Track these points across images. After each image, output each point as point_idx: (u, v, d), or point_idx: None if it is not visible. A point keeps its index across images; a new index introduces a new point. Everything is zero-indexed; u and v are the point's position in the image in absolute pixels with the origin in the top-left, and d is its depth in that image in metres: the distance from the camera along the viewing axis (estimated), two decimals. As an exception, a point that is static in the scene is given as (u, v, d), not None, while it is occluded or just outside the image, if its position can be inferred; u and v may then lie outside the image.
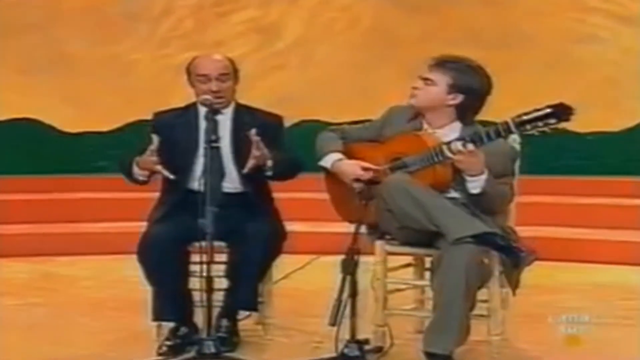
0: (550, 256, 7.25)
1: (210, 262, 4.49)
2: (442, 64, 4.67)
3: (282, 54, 9.56)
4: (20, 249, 7.48)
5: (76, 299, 6.14)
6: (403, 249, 4.76)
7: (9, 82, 9.11)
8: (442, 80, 4.65)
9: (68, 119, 9.29)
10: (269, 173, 4.88)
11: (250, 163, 4.81)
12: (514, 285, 4.59)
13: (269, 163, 4.84)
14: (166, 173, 4.84)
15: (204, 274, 4.48)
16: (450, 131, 4.66)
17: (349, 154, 4.82)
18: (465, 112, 4.70)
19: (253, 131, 4.78)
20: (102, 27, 9.36)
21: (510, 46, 9.29)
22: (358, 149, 4.84)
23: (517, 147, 4.76)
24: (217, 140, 4.68)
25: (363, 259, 4.46)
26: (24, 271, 7.03)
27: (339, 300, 4.30)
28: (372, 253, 4.69)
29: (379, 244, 4.73)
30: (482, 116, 8.31)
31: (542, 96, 9.05)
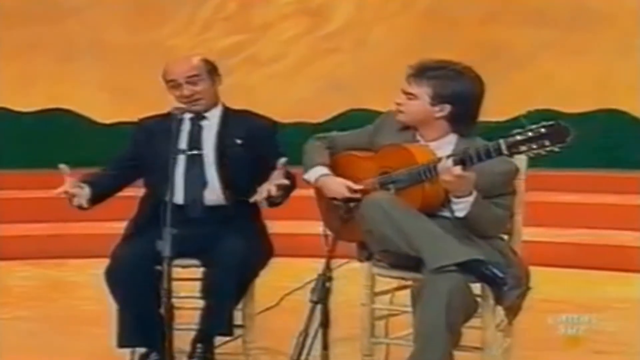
0: (602, 265, 6.69)
1: (169, 288, 4.14)
2: (421, 73, 4.23)
3: (333, 38, 9.14)
4: (42, 251, 7.31)
5: (69, 312, 5.94)
6: (391, 272, 4.36)
7: (46, 70, 8.96)
8: (422, 92, 4.21)
9: (104, 108, 9.11)
10: (278, 201, 4.53)
11: (263, 193, 4.46)
12: (512, 314, 4.19)
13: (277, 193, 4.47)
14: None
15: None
16: (446, 144, 4.24)
17: (337, 165, 4.45)
18: (459, 122, 4.25)
19: (282, 160, 4.46)
20: (142, 11, 9.11)
21: (581, 27, 8.82)
22: (347, 160, 4.46)
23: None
24: (186, 151, 4.55)
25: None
26: (33, 277, 6.88)
27: (305, 332, 3.87)
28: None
29: (365, 266, 4.38)
30: (555, 106, 7.82)
31: (618, 80, 8.63)
